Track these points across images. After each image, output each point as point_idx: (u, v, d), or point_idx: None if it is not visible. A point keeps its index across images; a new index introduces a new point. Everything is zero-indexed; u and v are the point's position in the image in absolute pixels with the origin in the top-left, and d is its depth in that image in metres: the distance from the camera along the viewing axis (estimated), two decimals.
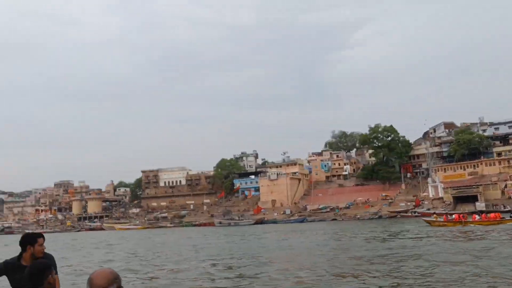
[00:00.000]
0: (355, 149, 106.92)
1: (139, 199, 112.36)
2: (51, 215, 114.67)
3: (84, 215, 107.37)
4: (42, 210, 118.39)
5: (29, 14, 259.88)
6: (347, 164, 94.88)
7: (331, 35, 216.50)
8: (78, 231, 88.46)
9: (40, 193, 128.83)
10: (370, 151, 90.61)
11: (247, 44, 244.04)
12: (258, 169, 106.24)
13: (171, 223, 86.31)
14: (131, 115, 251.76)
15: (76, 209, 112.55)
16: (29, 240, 3.76)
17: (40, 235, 3.86)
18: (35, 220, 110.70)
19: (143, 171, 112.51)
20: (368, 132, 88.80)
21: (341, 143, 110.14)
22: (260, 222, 70.14)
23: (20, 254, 3.77)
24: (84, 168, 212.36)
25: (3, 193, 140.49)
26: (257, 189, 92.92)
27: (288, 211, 78.04)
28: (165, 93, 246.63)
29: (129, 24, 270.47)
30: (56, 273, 3.36)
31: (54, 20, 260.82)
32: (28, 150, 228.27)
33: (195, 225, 77.62)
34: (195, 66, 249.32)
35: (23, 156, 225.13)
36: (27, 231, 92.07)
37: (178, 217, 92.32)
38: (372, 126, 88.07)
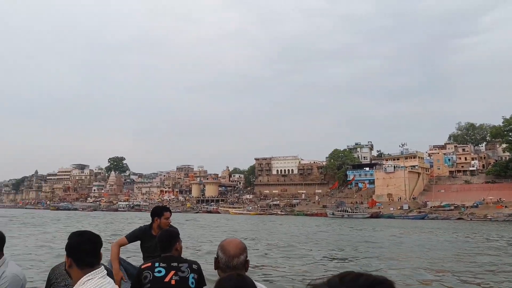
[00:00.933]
0: (484, 143, 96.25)
1: (252, 186, 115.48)
2: (173, 196, 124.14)
3: (202, 198, 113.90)
4: (166, 191, 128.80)
5: (159, 14, 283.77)
6: (475, 158, 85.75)
7: (455, 21, 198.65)
8: (197, 212, 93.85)
9: (164, 175, 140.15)
10: (504, 145, 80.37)
11: (362, 34, 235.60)
12: (373, 161, 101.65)
13: (282, 211, 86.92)
14: (244, 105, 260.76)
15: (195, 192, 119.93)
16: (157, 213, 4.22)
17: (167, 209, 4.29)
18: (159, 200, 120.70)
19: (256, 159, 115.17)
20: (501, 124, 78.76)
21: (468, 135, 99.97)
22: (376, 216, 66.66)
23: (151, 224, 4.25)
24: (202, 154, 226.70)
25: (134, 174, 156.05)
26: (371, 182, 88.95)
27: (406, 206, 72.97)
28: (279, 84, 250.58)
29: (247, 19, 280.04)
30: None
31: (177, 18, 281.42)
32: (155, 136, 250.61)
33: (306, 215, 76.91)
34: (309, 58, 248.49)
35: (152, 141, 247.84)
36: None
37: (290, 206, 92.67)
38: (507, 117, 77.69)
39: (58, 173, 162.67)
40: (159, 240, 3.16)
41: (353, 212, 68.58)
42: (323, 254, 16.28)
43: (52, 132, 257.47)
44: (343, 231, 32.12)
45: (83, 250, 2.11)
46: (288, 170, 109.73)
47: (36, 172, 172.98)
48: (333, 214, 70.18)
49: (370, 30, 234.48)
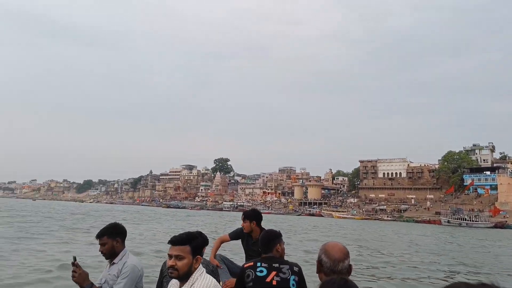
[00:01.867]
0: None
1: (357, 189, 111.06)
2: (275, 198, 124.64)
3: (304, 200, 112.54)
4: (268, 193, 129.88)
5: (262, 19, 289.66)
6: None
7: None
8: (299, 215, 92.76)
9: (267, 177, 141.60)
10: None
11: (477, 26, 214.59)
12: (495, 164, 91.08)
13: (389, 216, 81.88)
14: (345, 105, 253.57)
15: (297, 194, 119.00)
16: (254, 216, 4.38)
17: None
18: (262, 201, 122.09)
19: (361, 161, 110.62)
20: None
21: None
22: (501, 226, 59.08)
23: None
24: (304, 156, 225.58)
25: (238, 175, 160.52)
26: (493, 187, 79.64)
27: None
28: (384, 82, 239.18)
29: (348, 18, 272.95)
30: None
31: (278, 22, 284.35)
32: (257, 137, 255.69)
33: (417, 221, 71.29)
34: (415, 54, 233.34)
35: (255, 143, 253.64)
36: None
37: (398, 211, 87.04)
38: None
39: (169, 173, 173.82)
40: (261, 240, 3.18)
41: (472, 221, 61.69)
42: (451, 268, 13.83)
43: (164, 134, 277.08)
44: (462, 241, 28.32)
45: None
46: (396, 173, 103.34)
47: (151, 172, 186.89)
48: (448, 222, 63.91)
49: (488, 21, 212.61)
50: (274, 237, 3.18)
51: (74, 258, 3.07)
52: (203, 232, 2.60)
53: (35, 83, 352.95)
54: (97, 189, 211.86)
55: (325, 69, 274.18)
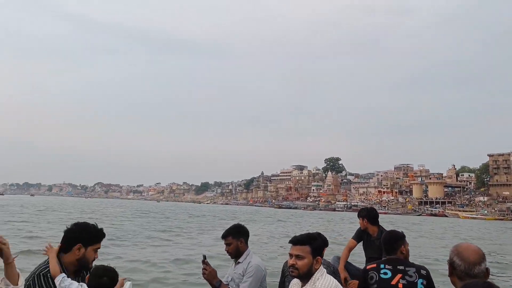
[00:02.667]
0: None
1: (486, 186, 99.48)
2: (392, 197, 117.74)
3: (424, 199, 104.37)
4: (384, 192, 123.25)
5: (371, 10, 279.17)
6: None
7: None
8: (419, 215, 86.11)
9: (381, 175, 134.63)
10: None
11: None
12: None
13: None
14: (465, 96, 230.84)
15: (416, 192, 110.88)
16: (366, 213, 4.45)
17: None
18: (378, 201, 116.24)
19: (490, 155, 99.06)
20: None
21: None
22: None
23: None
24: (422, 152, 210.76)
25: (351, 174, 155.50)
26: None
27: None
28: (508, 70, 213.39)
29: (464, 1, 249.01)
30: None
31: (390, 11, 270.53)
32: (369, 136, 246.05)
33: None
34: None
35: (366, 141, 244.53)
36: None
37: None
38: None
39: (280, 174, 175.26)
40: (383, 241, 3.06)
41: None
42: None
43: (274, 135, 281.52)
44: None
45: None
46: None
47: (262, 173, 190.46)
48: None
49: None
50: (398, 238, 3.05)
51: (204, 257, 3.23)
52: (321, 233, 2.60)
53: (159, 94, 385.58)
54: (213, 190, 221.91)
55: (441, 59, 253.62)
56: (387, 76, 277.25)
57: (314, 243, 2.46)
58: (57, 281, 2.15)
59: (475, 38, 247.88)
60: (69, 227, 2.43)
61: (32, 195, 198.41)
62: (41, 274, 2.22)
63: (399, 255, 2.98)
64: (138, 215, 36.12)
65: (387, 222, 43.39)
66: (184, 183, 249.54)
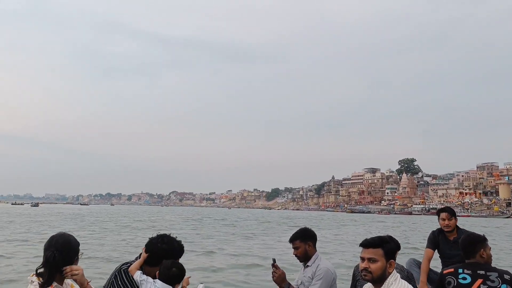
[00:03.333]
0: None
1: None
2: (476, 198, 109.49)
3: None
4: (466, 193, 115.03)
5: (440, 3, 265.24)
6: None
7: None
8: (508, 217, 78.92)
9: (462, 175, 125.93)
10: None
11: None
12: None
13: None
14: None
15: (503, 193, 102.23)
16: (437, 214, 4.27)
17: (444, 210, 4.20)
18: (459, 202, 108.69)
19: None
20: None
21: None
22: None
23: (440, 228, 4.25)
24: (509, 149, 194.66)
25: (428, 175, 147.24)
26: None
27: None
28: None
29: None
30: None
31: (462, 2, 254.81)
32: (445, 134, 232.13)
33: None
34: None
35: (443, 140, 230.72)
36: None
37: None
38: None
39: (352, 178, 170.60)
40: (461, 245, 2.96)
41: None
42: None
43: (343, 139, 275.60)
44: None
45: None
46: None
47: (333, 177, 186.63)
48: None
49: None
50: (477, 241, 2.89)
51: (274, 260, 3.31)
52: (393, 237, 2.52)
53: (225, 102, 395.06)
54: (284, 196, 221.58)
55: None
56: (461, 70, 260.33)
57: (387, 246, 2.31)
58: (136, 276, 2.40)
59: None
60: (155, 240, 2.50)
61: (112, 204, 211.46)
62: (121, 270, 2.46)
63: (479, 259, 2.79)
64: (213, 222, 36.43)
65: (470, 225, 39.97)
66: (254, 189, 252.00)
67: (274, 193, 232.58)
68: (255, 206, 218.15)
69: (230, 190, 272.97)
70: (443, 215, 4.16)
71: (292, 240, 3.37)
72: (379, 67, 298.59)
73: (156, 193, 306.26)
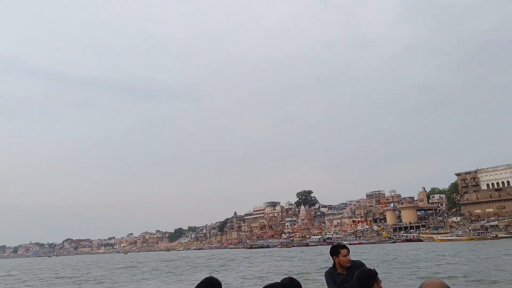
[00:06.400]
0: None
1: (458, 206, 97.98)
2: (367, 226, 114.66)
3: (398, 225, 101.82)
4: (358, 221, 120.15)
5: (329, 44, 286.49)
6: None
7: None
8: (393, 242, 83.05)
9: (354, 204, 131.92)
10: None
11: None
12: None
13: (506, 233, 69.70)
14: (434, 120, 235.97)
15: (390, 219, 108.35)
16: (333, 252, 4.17)
17: (343, 247, 4.19)
18: (352, 231, 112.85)
19: (457, 174, 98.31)
20: None
21: None
22: None
23: (334, 264, 4.22)
24: (393, 179, 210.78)
25: (324, 206, 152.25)
26: None
27: None
28: (474, 91, 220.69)
29: (423, 28, 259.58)
30: None
31: (350, 46, 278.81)
32: (341, 166, 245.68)
33: None
34: (510, 53, 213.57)
35: (339, 172, 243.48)
36: (343, 242, 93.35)
37: None
38: None
39: (253, 212, 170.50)
40: (357, 280, 3.03)
41: None
42: None
43: (247, 175, 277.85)
44: None
45: None
46: (502, 182, 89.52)
47: (235, 213, 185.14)
48: None
49: None
50: (371, 275, 2.97)
51: None
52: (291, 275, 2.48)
53: (127, 140, 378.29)
54: (188, 236, 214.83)
55: (411, 84, 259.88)
56: (353, 105, 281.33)
57: None
58: None
59: (436, 64, 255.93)
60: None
61: None
62: None
63: None
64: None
65: (361, 252, 40.16)
66: (157, 231, 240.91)
67: (178, 234, 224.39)
68: (157, 248, 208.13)
69: (131, 234, 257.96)
70: (344, 251, 4.15)
71: None
72: (285, 105, 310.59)
73: (48, 242, 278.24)
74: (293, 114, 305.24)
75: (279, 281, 2.62)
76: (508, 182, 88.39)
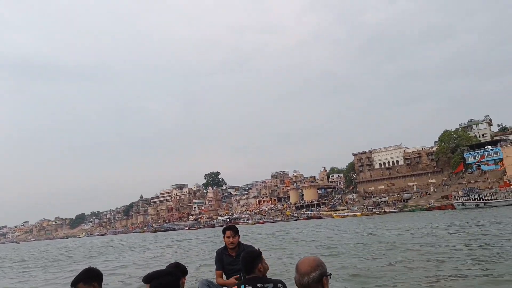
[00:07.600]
0: None
1: (354, 184, 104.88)
2: (272, 205, 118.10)
3: (301, 203, 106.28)
4: (263, 201, 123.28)
5: (244, 31, 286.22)
6: None
7: None
8: (295, 220, 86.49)
9: (260, 185, 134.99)
10: None
11: (455, 11, 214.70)
12: (495, 138, 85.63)
13: (394, 208, 75.95)
14: (336, 105, 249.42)
15: (293, 198, 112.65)
16: (223, 232, 4.38)
17: (230, 228, 4.36)
18: (258, 210, 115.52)
19: (354, 154, 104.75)
20: None
21: None
22: None
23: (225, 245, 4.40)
24: (299, 161, 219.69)
25: (231, 187, 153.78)
26: (497, 162, 74.17)
27: None
28: (370, 78, 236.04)
29: (326, 18, 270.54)
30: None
31: (261, 31, 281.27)
32: (251, 149, 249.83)
33: (426, 209, 65.27)
34: (399, 44, 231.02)
35: (249, 154, 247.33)
36: (248, 222, 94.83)
37: (401, 201, 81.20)
38: None
39: (160, 195, 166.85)
40: (242, 261, 3.11)
41: (490, 200, 55.87)
42: None
43: (153, 158, 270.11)
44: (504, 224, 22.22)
45: None
46: (393, 161, 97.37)
47: (141, 196, 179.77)
48: (462, 204, 57.56)
49: (464, 5, 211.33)
50: (255, 256, 3.07)
51: None
52: (181, 261, 2.50)
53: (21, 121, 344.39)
54: (90, 221, 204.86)
55: (315, 72, 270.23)
56: (269, 91, 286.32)
57: (155, 282, 2.28)
58: None
59: (337, 52, 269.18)
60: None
61: None
62: None
63: (258, 273, 3.01)
64: None
65: (253, 233, 40.66)
66: (56, 217, 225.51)
67: (79, 220, 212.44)
68: (56, 236, 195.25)
69: (27, 221, 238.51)
70: (228, 233, 4.28)
71: (74, 283, 2.86)
72: (195, 89, 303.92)
73: None
74: (203, 98, 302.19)
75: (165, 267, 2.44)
76: (397, 161, 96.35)
